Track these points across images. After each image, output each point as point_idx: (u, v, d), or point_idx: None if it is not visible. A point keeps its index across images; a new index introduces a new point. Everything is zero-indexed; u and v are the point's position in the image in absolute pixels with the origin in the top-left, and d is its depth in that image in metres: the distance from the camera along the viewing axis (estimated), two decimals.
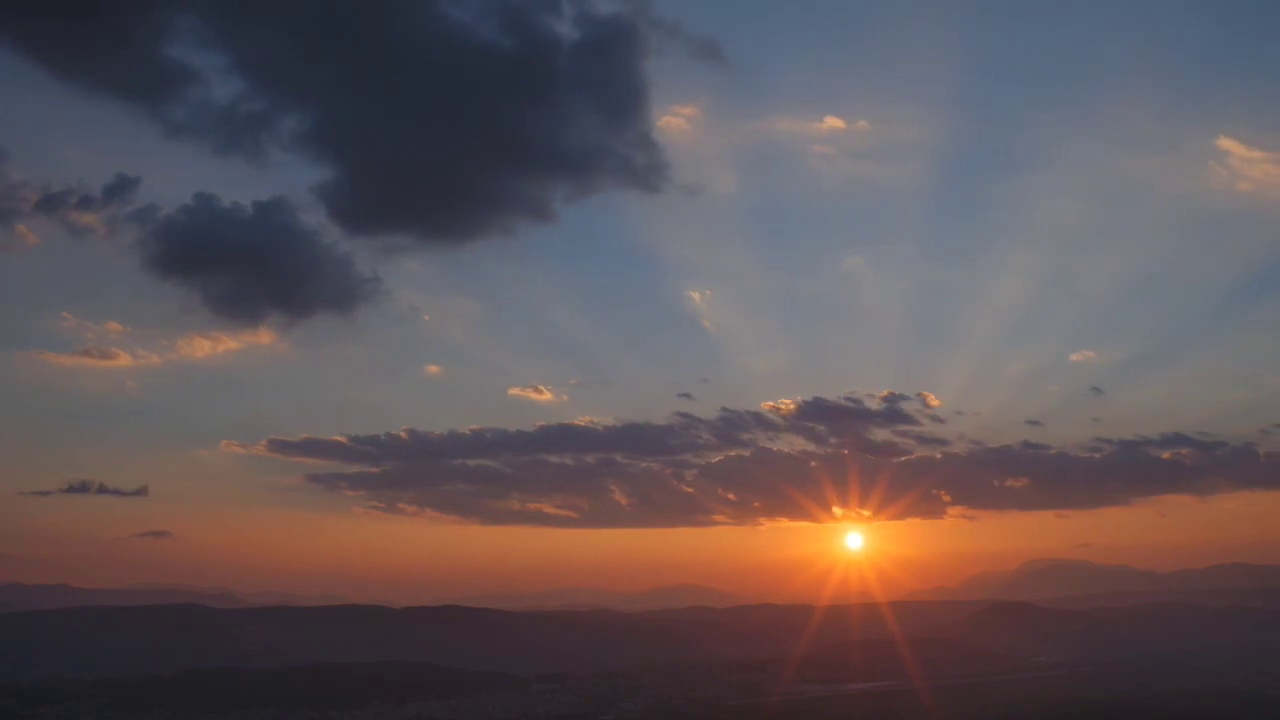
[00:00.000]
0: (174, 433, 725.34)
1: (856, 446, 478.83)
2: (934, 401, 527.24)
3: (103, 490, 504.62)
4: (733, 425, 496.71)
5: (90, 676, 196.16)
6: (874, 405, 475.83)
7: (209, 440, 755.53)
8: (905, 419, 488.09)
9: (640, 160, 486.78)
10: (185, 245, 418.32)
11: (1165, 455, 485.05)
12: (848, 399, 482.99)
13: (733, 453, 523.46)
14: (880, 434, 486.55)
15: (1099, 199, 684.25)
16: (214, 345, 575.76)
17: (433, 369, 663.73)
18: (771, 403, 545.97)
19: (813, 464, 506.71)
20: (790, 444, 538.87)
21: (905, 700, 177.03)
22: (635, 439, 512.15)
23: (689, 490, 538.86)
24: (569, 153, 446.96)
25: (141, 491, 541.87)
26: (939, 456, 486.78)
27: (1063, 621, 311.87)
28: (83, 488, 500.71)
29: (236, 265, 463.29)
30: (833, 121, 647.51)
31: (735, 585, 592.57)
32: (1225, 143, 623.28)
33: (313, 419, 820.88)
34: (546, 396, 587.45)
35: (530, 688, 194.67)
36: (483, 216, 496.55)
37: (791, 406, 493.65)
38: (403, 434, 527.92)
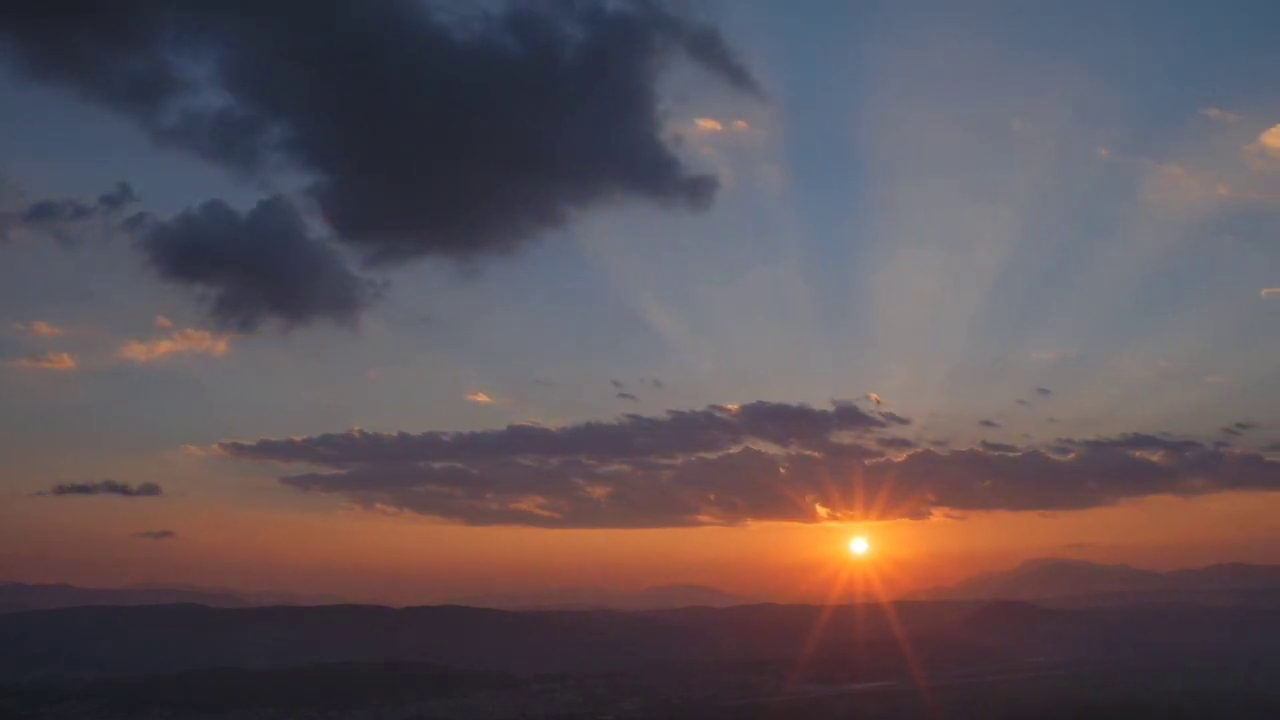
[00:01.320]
0: (129, 435, 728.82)
1: (823, 449, 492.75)
2: (884, 404, 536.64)
3: (109, 488, 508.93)
4: (689, 428, 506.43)
5: (90, 676, 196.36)
6: (826, 408, 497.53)
7: (170, 442, 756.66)
8: (864, 421, 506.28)
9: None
10: (158, 250, 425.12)
11: (1135, 455, 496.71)
12: (801, 403, 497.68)
13: (699, 455, 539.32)
14: (844, 437, 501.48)
15: (998, 202, 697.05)
16: (149, 350, 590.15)
17: (372, 373, 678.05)
18: (719, 404, 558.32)
19: (782, 468, 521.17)
20: (755, 447, 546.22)
21: (905, 700, 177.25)
22: (593, 440, 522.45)
23: (669, 492, 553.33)
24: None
25: (153, 490, 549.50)
26: (903, 459, 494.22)
27: (1063, 621, 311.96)
28: (83, 488, 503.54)
29: (205, 270, 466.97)
30: (707, 124, 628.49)
31: (733, 585, 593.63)
32: (1104, 150, 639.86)
33: (258, 422, 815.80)
34: (485, 399, 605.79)
35: (530, 688, 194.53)
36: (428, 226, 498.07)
37: (737, 409, 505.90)
38: (355, 434, 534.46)
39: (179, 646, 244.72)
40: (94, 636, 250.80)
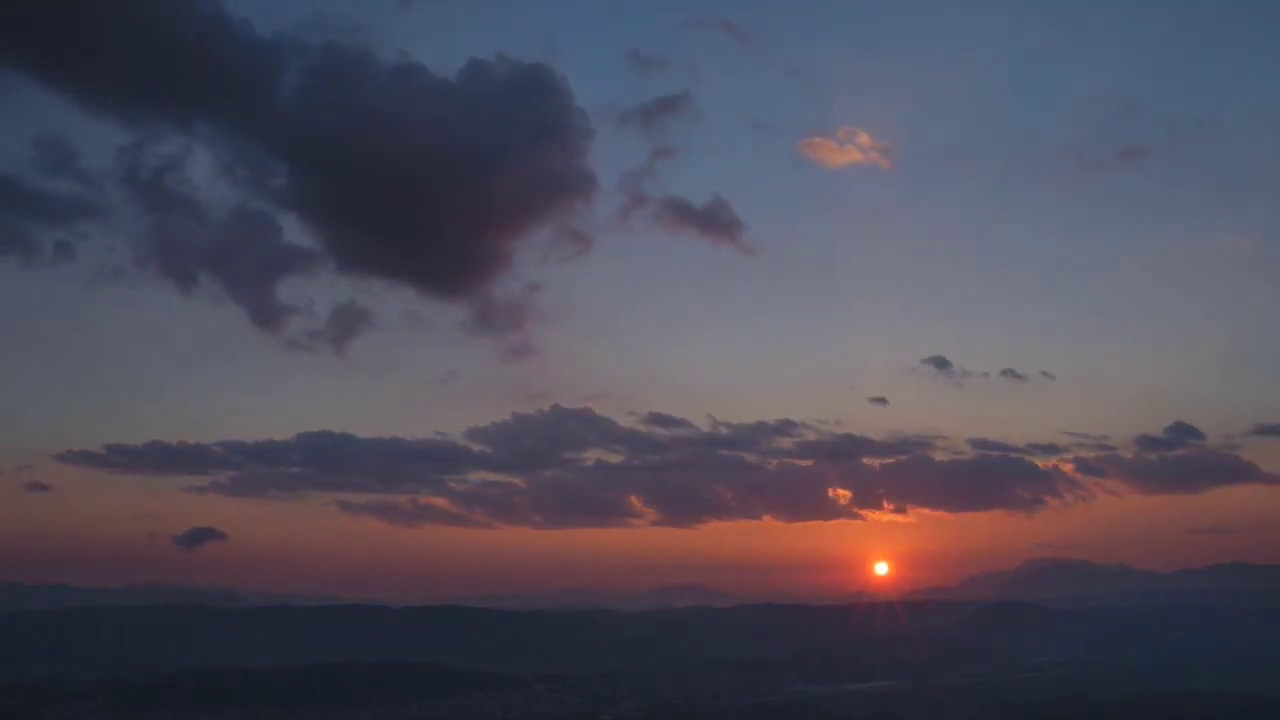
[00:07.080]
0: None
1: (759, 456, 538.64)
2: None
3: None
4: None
5: (90, 676, 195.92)
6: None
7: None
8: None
9: None
10: None
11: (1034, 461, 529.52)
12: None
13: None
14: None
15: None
16: None
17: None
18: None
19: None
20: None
21: (905, 700, 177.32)
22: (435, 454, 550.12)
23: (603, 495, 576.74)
24: None
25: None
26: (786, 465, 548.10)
27: (1063, 621, 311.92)
28: None
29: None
30: None
31: (734, 585, 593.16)
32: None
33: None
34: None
35: (530, 688, 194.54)
36: None
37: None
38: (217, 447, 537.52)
39: (179, 646, 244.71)
40: (94, 636, 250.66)
